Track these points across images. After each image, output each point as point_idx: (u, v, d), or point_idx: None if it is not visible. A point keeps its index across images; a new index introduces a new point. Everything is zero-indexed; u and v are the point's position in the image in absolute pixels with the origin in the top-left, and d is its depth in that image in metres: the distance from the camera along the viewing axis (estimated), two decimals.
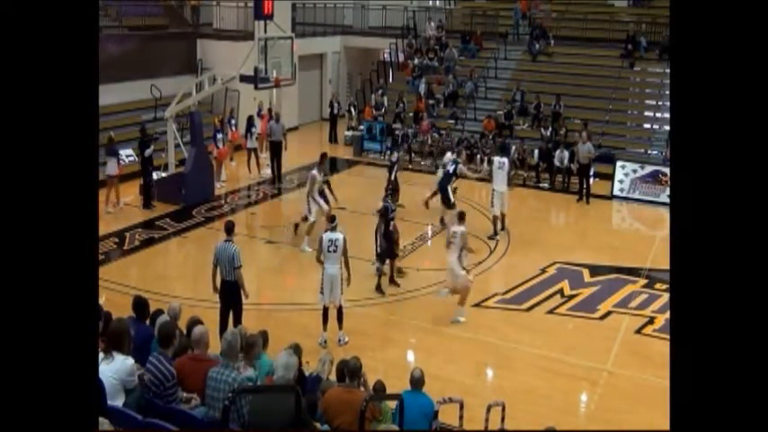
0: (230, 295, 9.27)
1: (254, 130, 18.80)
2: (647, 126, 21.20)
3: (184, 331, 6.50)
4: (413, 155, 20.58)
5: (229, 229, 9.40)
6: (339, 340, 9.96)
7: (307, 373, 6.86)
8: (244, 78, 15.67)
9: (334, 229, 10.02)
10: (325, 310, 9.95)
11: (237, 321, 9.06)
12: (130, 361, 5.20)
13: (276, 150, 18.28)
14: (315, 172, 13.67)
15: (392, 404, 6.38)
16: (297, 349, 6.30)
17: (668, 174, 17.02)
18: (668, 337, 10.60)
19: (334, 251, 9.78)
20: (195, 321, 6.41)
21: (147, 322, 6.93)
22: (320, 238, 9.99)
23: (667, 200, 16.73)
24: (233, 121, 19.55)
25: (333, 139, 23.34)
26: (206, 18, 23.84)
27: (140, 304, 6.94)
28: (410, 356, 10.23)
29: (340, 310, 9.99)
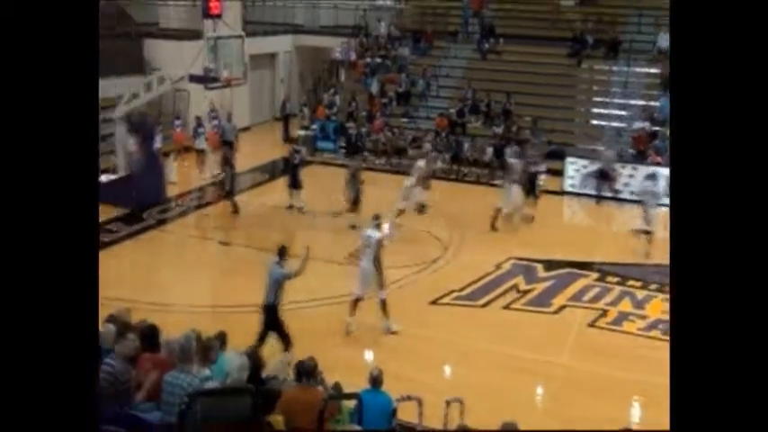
0: (269, 317, 9.22)
1: (201, 130, 18.55)
2: (595, 122, 21.57)
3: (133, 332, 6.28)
4: (366, 154, 20.57)
5: (281, 252, 9.28)
6: (387, 328, 10.41)
7: (264, 375, 6.77)
8: (193, 78, 15.43)
9: (376, 226, 10.60)
10: (356, 301, 10.39)
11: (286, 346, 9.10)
12: None
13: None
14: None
15: (351, 404, 6.35)
16: (252, 354, 6.21)
17: (616, 170, 17.42)
18: (620, 329, 10.88)
19: (368, 247, 10.35)
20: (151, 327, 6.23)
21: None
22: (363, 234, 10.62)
23: (615, 195, 17.17)
24: (177, 122, 19.23)
25: (286, 138, 23.16)
26: (151, 17, 23.34)
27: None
28: (369, 356, 10.21)
29: (383, 302, 10.42)
